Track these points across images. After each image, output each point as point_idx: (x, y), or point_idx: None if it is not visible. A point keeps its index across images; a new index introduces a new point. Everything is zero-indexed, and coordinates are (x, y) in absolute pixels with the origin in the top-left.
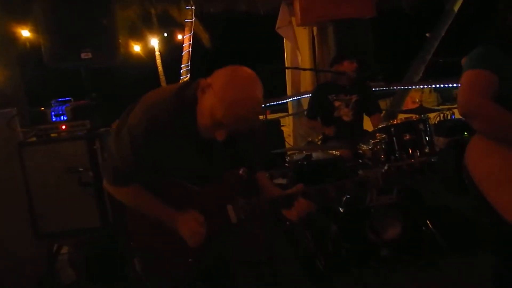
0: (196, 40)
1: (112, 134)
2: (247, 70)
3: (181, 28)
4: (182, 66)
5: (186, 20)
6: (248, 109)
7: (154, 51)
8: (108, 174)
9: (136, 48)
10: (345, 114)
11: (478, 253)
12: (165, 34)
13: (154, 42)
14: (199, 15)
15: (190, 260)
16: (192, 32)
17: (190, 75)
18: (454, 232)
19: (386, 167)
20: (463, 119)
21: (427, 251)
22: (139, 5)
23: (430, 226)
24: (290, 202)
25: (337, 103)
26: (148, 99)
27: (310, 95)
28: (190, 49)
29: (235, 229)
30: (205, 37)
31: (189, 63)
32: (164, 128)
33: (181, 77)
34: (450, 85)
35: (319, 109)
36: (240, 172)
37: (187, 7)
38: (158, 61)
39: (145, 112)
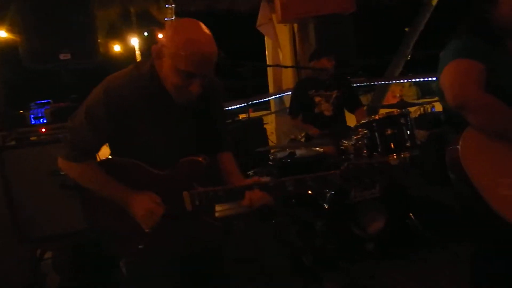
0: None
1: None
2: (187, 18)
3: (162, 27)
4: None
5: (166, 19)
6: (202, 42)
7: (135, 51)
8: (63, 151)
9: (116, 48)
10: (326, 109)
11: (460, 243)
12: (145, 33)
13: (134, 41)
14: (179, 13)
15: (140, 246)
16: None
17: None
18: (436, 223)
19: (345, 165)
20: (443, 112)
21: (410, 243)
22: (118, 4)
23: (413, 218)
24: (245, 193)
25: (317, 99)
26: (105, 79)
27: (291, 93)
28: None
29: (191, 217)
30: None
31: None
32: (123, 99)
33: None
34: (430, 79)
35: (300, 105)
36: (200, 159)
37: (167, 6)
38: (139, 60)
39: (102, 86)
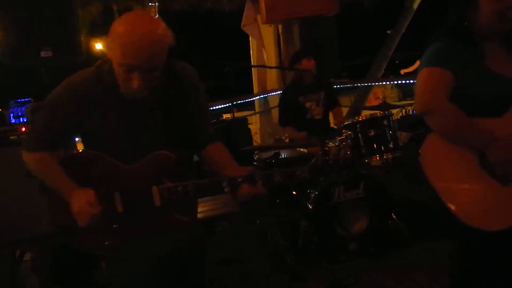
0: None
1: None
2: (137, 11)
3: None
4: None
5: None
6: (141, 33)
7: None
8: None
9: (98, 46)
10: (317, 113)
11: (439, 241)
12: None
13: None
14: (163, 12)
15: (106, 243)
16: None
17: None
18: (417, 222)
19: (313, 160)
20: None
21: (393, 242)
22: (100, 2)
23: (395, 218)
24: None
25: (308, 104)
26: (69, 77)
27: (279, 101)
28: None
29: (159, 213)
30: None
31: None
32: (83, 92)
33: None
34: (411, 81)
35: (291, 114)
36: (169, 153)
37: (150, 4)
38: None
39: (64, 83)
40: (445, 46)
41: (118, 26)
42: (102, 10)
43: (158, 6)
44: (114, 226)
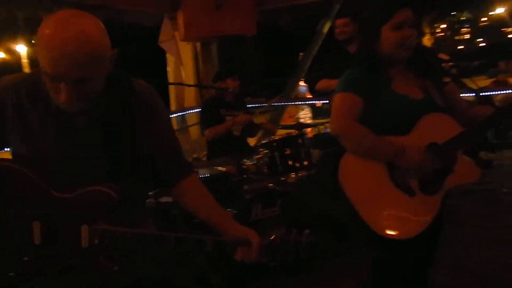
0: None
1: None
2: (67, 9)
3: None
4: None
5: None
6: (66, 38)
7: (20, 58)
8: None
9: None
10: (236, 129)
11: (355, 253)
12: (33, 41)
13: (21, 48)
14: None
15: (11, 274)
16: None
17: None
18: (333, 235)
19: (272, 237)
20: None
21: (310, 256)
22: (3, 8)
23: (312, 233)
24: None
25: (228, 118)
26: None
27: (200, 110)
28: None
29: (83, 252)
30: None
31: None
32: (8, 100)
33: None
34: (324, 102)
35: (211, 122)
36: (110, 191)
37: None
38: (27, 69)
39: None
40: (357, 73)
41: (44, 26)
42: (5, 17)
43: None
44: (25, 258)
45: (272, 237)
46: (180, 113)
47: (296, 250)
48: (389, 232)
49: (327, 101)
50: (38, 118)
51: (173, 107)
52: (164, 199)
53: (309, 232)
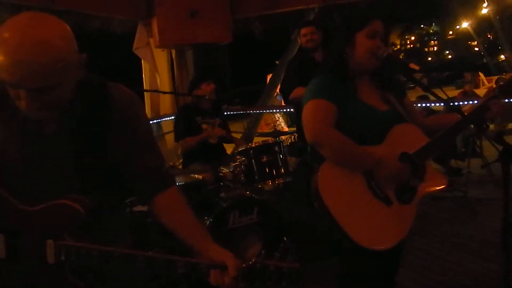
0: None
1: None
2: (34, 12)
3: None
4: None
5: None
6: (24, 44)
7: None
8: None
9: None
10: (211, 137)
11: (328, 260)
12: None
13: None
14: None
15: None
16: None
17: None
18: (307, 243)
19: (252, 261)
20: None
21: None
22: None
23: (287, 241)
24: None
25: (204, 126)
26: None
27: (175, 119)
28: None
29: (49, 268)
30: None
31: None
32: None
33: None
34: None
35: (186, 130)
36: (77, 206)
37: None
38: None
39: None
40: (327, 80)
41: (2, 29)
42: None
43: None
44: None
45: (252, 261)
46: (156, 121)
47: (277, 277)
48: (371, 242)
49: None
50: (3, 126)
51: (148, 114)
52: (138, 208)
53: (292, 259)
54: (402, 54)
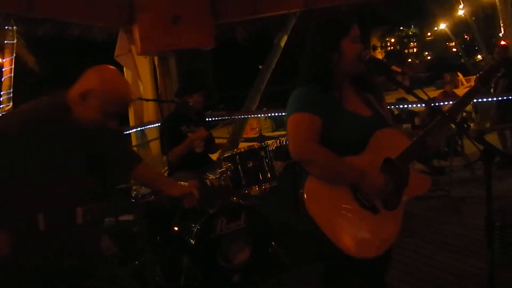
0: (20, 64)
1: None
2: (108, 66)
3: (1, 49)
4: (1, 93)
5: (6, 42)
6: (126, 89)
7: None
8: None
9: None
10: (198, 145)
11: (313, 264)
12: None
13: None
14: (25, 36)
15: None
16: (14, 55)
17: (12, 103)
18: (294, 247)
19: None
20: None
21: (273, 269)
22: None
23: (274, 245)
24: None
25: (190, 135)
26: (19, 109)
27: (160, 130)
28: (12, 74)
29: (79, 231)
30: (31, 61)
31: (11, 89)
32: (36, 131)
33: (1, 106)
34: (284, 113)
35: (173, 141)
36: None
37: (6, 27)
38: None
39: (16, 116)
40: (310, 91)
41: (108, 82)
42: None
43: (19, 29)
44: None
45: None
46: (140, 128)
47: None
48: (360, 252)
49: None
50: (62, 133)
51: (132, 122)
52: (124, 217)
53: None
54: (383, 56)
